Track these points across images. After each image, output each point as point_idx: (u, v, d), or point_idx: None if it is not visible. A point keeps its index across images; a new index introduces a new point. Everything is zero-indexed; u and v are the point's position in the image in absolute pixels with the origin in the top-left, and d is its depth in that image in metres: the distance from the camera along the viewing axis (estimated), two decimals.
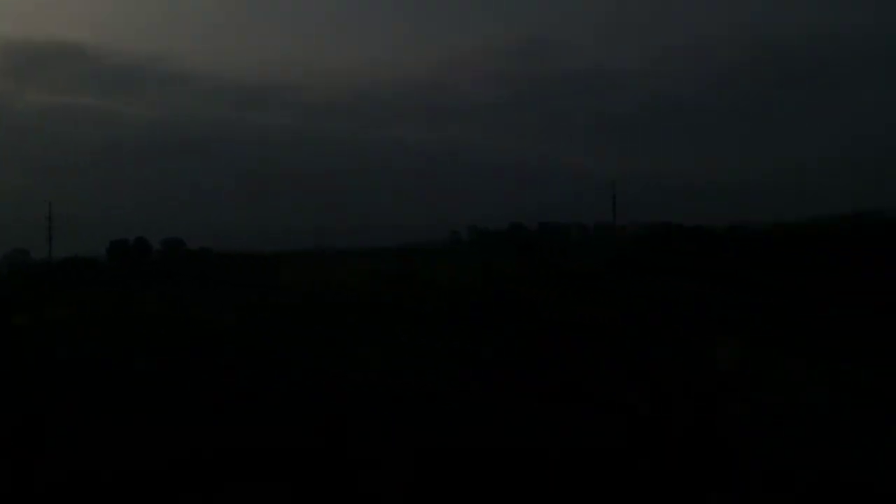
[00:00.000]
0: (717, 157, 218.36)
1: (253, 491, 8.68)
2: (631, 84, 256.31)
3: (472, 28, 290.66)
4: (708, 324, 21.44)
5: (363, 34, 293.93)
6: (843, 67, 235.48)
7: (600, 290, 34.89)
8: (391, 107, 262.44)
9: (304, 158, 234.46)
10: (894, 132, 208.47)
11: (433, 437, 10.67)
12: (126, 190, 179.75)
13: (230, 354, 18.67)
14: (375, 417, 11.90)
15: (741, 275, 37.43)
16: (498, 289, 37.68)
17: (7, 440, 10.97)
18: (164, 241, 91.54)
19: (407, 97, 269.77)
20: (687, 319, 22.29)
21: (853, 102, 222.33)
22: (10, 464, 9.72)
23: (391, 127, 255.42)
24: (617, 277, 41.64)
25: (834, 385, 13.55)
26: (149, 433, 10.98)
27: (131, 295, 42.50)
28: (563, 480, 8.84)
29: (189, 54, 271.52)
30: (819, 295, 27.62)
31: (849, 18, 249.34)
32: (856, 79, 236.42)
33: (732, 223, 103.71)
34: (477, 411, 12.26)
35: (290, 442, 10.36)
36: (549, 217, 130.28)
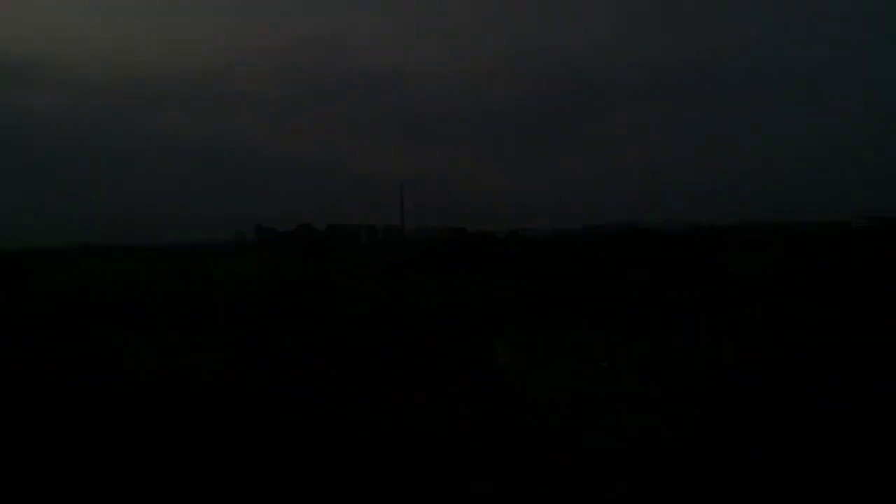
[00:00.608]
0: (507, 166, 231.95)
1: None
2: (427, 91, 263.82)
3: (265, 16, 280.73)
4: (487, 323, 22.01)
5: (143, 12, 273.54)
6: (630, 90, 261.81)
7: (384, 289, 34.99)
8: (172, 92, 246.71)
9: (70, 144, 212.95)
10: (663, 151, 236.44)
11: (207, 437, 10.00)
12: None
13: None
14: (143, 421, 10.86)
15: (520, 276, 39.41)
16: (281, 289, 36.67)
17: None
18: None
19: (190, 84, 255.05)
20: (467, 319, 22.81)
21: (632, 123, 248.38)
22: None
23: (170, 115, 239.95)
24: (402, 278, 42.17)
25: (595, 375, 14.37)
26: None
27: None
28: (339, 475, 8.58)
29: None
30: (594, 293, 29.72)
31: (646, 48, 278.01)
32: (637, 101, 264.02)
33: (513, 229, 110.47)
34: (256, 409, 11.75)
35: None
36: (339, 219, 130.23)
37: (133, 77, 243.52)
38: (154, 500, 8.14)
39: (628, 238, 65.96)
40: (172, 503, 8.13)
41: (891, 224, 70.35)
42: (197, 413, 11.54)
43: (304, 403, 12.30)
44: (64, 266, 58.33)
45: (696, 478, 8.57)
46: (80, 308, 28.29)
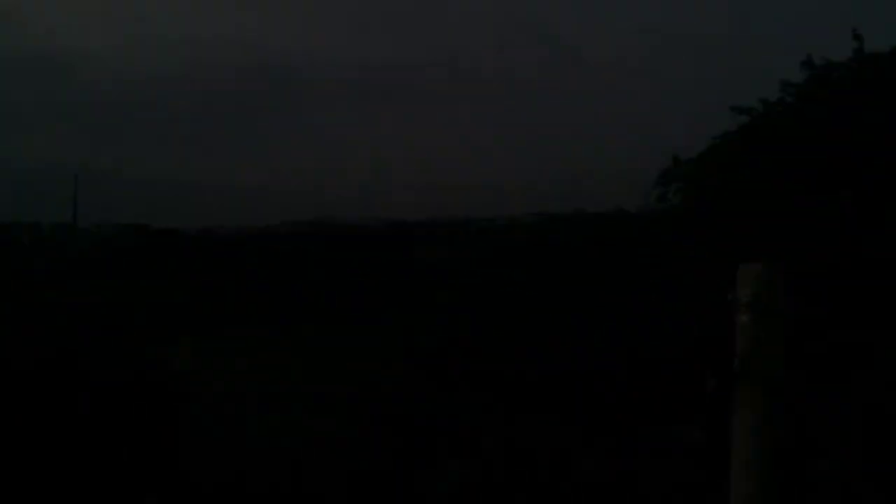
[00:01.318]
0: (196, 159, 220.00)
1: None
2: (110, 76, 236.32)
3: None
4: (168, 325, 20.99)
5: None
6: (335, 91, 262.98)
7: (50, 293, 31.45)
8: None
9: None
10: (360, 151, 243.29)
11: None
12: None
13: None
14: None
15: (208, 277, 37.99)
16: None
17: None
18: None
19: None
20: (145, 321, 21.53)
21: (333, 123, 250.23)
22: None
23: None
24: (71, 281, 38.22)
25: (278, 374, 14.52)
26: None
27: None
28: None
29: None
30: (279, 291, 29.59)
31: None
32: (341, 102, 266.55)
33: (206, 226, 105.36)
34: None
35: None
36: None
37: None
38: None
39: (320, 234, 67.12)
40: None
41: (553, 217, 79.73)
42: None
43: None
44: None
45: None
46: None
